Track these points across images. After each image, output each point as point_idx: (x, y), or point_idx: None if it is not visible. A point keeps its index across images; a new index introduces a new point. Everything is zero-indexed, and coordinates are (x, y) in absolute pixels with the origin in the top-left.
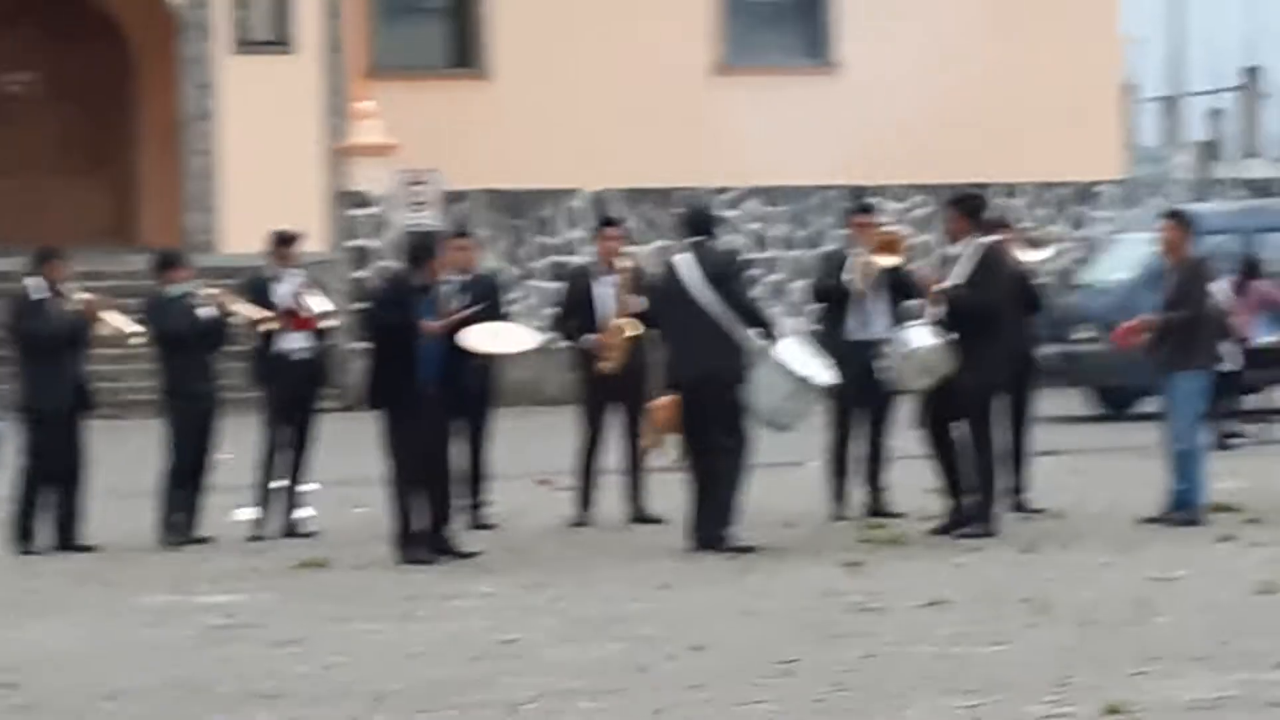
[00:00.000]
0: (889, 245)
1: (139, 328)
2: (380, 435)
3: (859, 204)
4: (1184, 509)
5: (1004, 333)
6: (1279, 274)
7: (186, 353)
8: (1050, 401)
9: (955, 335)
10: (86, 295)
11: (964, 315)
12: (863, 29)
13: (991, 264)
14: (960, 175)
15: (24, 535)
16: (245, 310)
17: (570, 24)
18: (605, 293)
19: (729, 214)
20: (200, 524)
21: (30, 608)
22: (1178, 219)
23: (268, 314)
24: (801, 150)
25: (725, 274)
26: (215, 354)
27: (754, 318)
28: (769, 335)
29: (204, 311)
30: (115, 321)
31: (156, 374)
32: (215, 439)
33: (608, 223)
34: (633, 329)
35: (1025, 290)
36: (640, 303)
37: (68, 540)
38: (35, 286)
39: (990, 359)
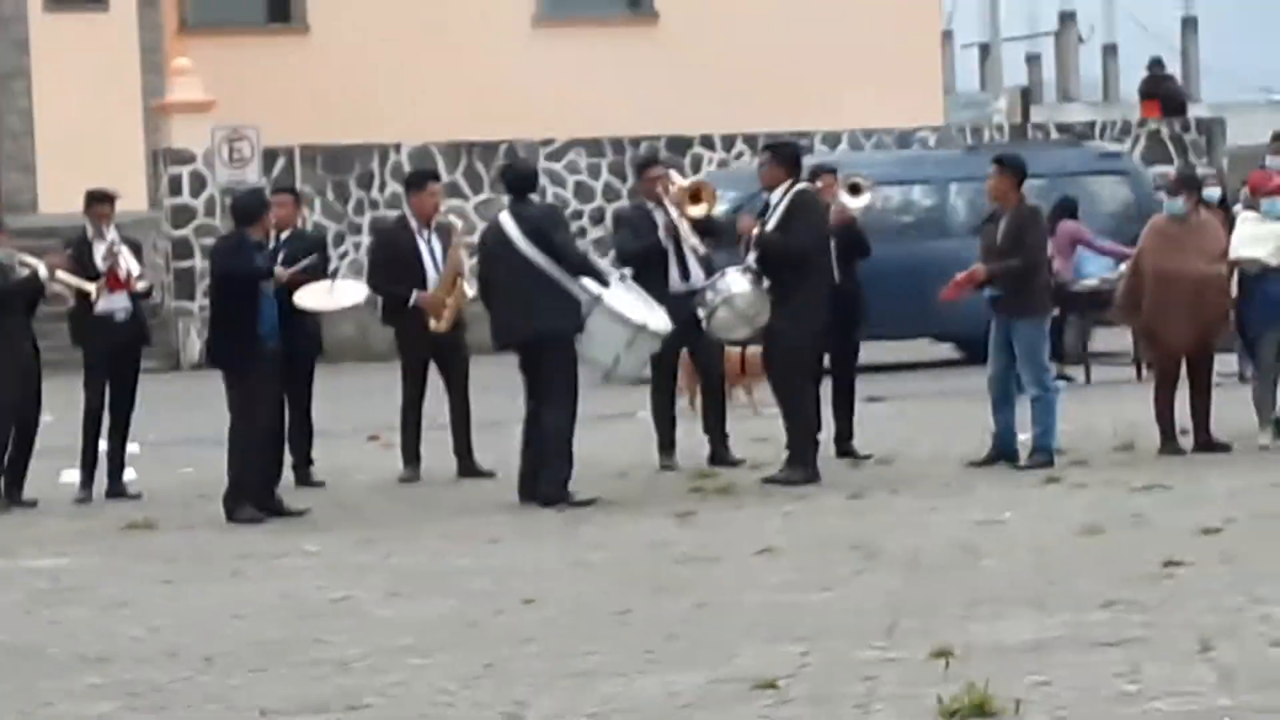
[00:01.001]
0: (697, 195)
1: (92, 286)
2: (225, 393)
3: (645, 158)
4: (1041, 451)
5: (817, 279)
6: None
7: (5, 315)
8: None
9: (769, 281)
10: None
11: (776, 261)
12: None
13: (802, 209)
14: (781, 124)
15: None
16: (71, 282)
17: None
18: (427, 249)
19: (553, 166)
20: (24, 487)
21: None
22: (1005, 165)
23: (89, 285)
24: (622, 101)
25: (546, 228)
26: (31, 315)
27: (581, 269)
28: (601, 284)
29: (22, 272)
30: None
31: None
32: (36, 401)
33: (430, 176)
34: (467, 289)
35: (850, 235)
36: (469, 261)
37: None
38: None
39: (805, 305)
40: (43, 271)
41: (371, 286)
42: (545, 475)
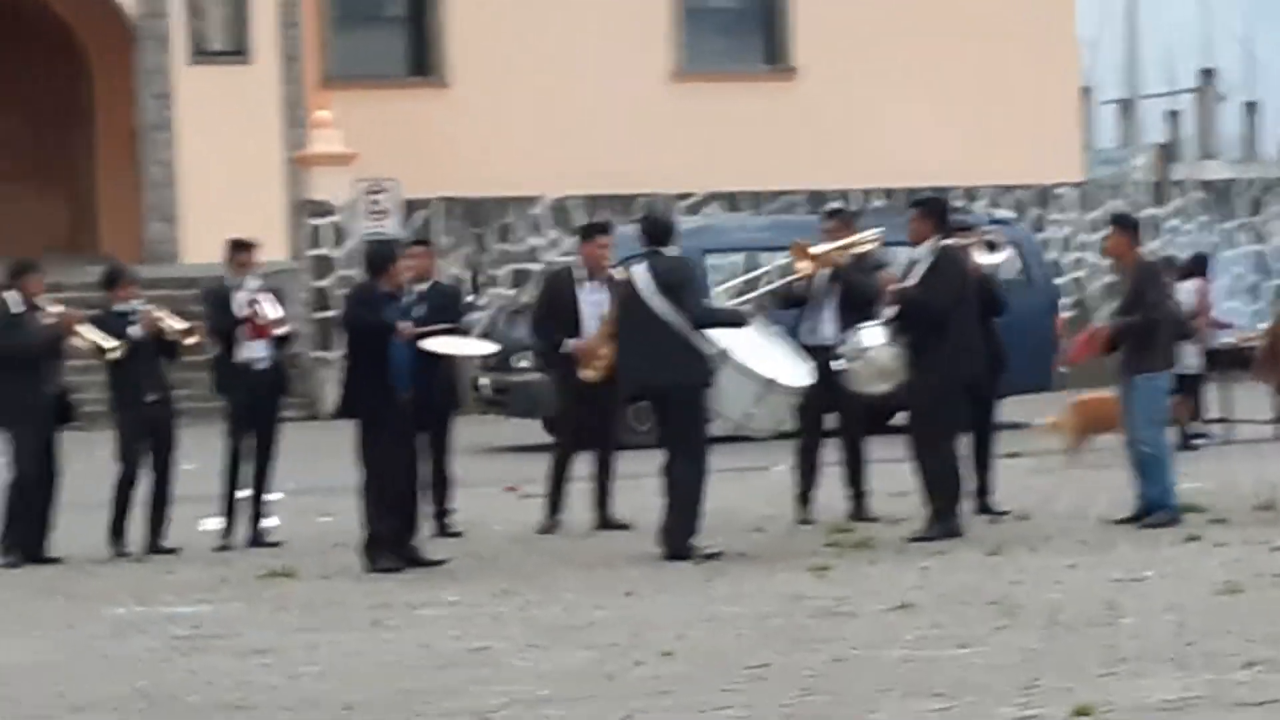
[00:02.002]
0: (804, 252)
1: (116, 341)
2: (356, 443)
3: (828, 210)
4: (1161, 510)
5: (958, 335)
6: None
7: (132, 366)
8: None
9: (907, 337)
10: (60, 308)
11: (914, 316)
12: (817, 35)
13: (945, 265)
14: (918, 180)
15: (7, 549)
16: (90, 336)
17: (527, 30)
18: (591, 299)
19: (690, 221)
20: (165, 535)
21: None
22: (1122, 224)
23: (109, 341)
24: (760, 156)
25: (674, 281)
26: (165, 365)
27: (705, 323)
28: (735, 332)
29: (134, 331)
30: (91, 335)
31: (108, 386)
32: (169, 449)
33: (598, 229)
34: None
35: (986, 292)
36: None
37: (35, 553)
38: (12, 300)
39: (943, 361)
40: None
41: (532, 329)
42: (672, 528)
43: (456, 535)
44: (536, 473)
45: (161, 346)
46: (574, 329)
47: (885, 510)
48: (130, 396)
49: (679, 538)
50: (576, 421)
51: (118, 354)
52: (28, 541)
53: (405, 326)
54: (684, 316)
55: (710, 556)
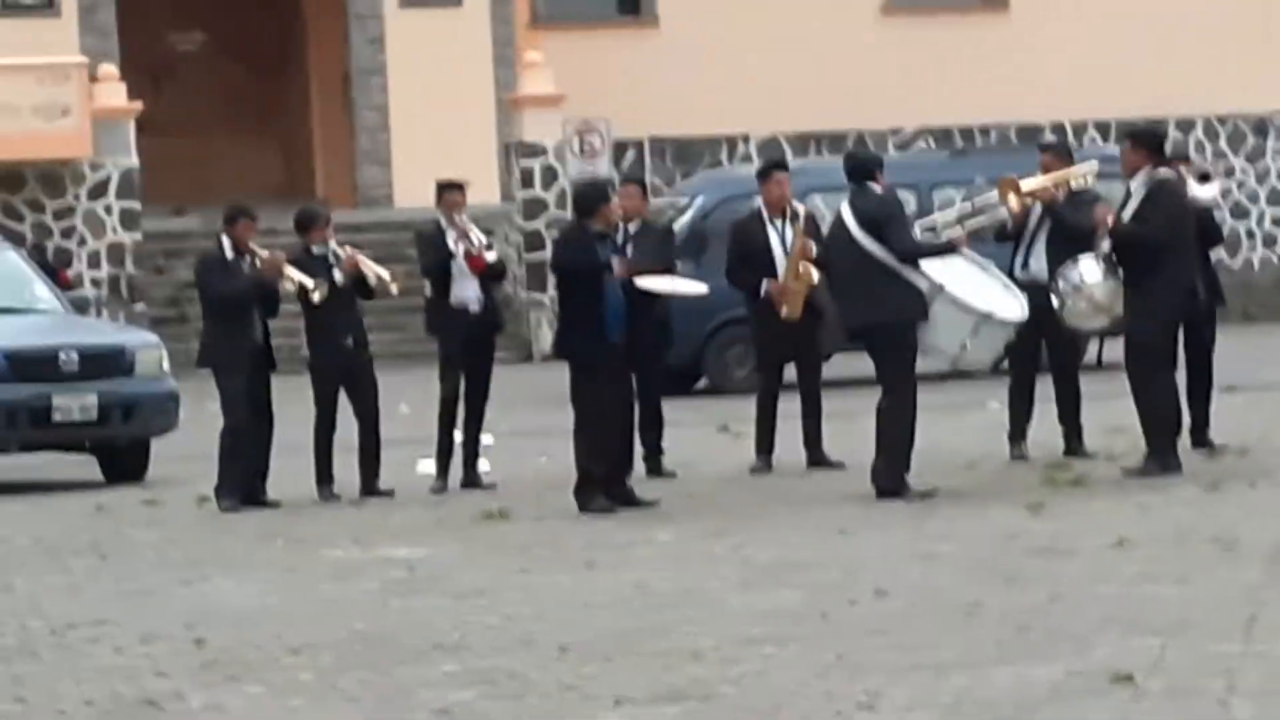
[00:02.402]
0: (1014, 187)
1: (320, 283)
2: (570, 385)
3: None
4: None
5: (1174, 268)
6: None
7: (330, 309)
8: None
9: (1124, 272)
10: (266, 253)
11: (1130, 250)
12: None
13: (1159, 198)
14: (1134, 111)
15: (226, 493)
16: (296, 277)
17: None
18: (779, 238)
19: (898, 156)
20: (378, 478)
21: (217, 564)
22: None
23: (310, 281)
24: (972, 89)
25: (880, 217)
26: (359, 311)
27: (913, 257)
28: (949, 266)
29: (337, 274)
30: (298, 277)
31: (305, 329)
32: (370, 393)
33: (776, 165)
34: (808, 276)
35: (1203, 224)
36: (815, 247)
37: (254, 496)
38: (226, 246)
39: (1160, 295)
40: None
41: (727, 278)
42: (882, 465)
43: (670, 475)
44: (747, 413)
45: (360, 289)
46: (771, 269)
47: (1101, 446)
48: (327, 340)
49: (891, 476)
50: (780, 361)
51: (320, 296)
52: (246, 486)
53: (619, 264)
54: (893, 252)
55: (925, 495)
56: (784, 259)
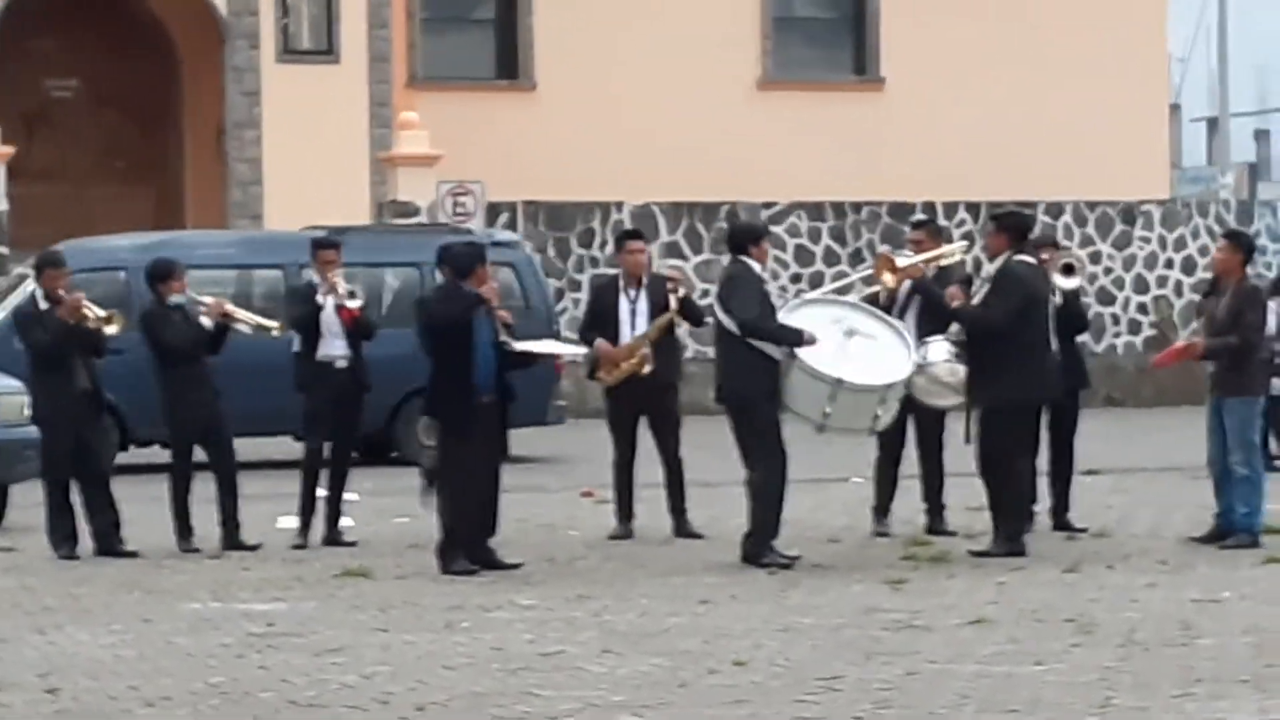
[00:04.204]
0: (889, 265)
1: (275, 323)
2: (438, 443)
3: (914, 221)
4: (1243, 532)
5: (1021, 354)
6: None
7: (187, 363)
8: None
9: (971, 355)
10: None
11: (974, 334)
12: (906, 46)
13: (1006, 283)
14: (1004, 194)
15: (60, 540)
16: (246, 318)
17: (615, 36)
18: (628, 307)
19: (774, 229)
20: (239, 532)
21: (72, 613)
22: (1236, 241)
23: (269, 322)
24: (845, 165)
25: (725, 291)
26: (212, 363)
27: (753, 334)
28: (792, 345)
29: (205, 321)
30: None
31: (158, 387)
32: (226, 447)
33: (631, 235)
34: (641, 361)
35: (1068, 310)
36: (666, 330)
37: (110, 547)
38: (37, 297)
39: (1006, 380)
40: (206, 322)
41: (579, 336)
42: (749, 533)
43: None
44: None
45: (210, 345)
46: (613, 337)
47: (963, 524)
48: (186, 394)
49: (755, 544)
50: (628, 425)
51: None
52: (104, 538)
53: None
54: (737, 324)
55: (785, 562)
56: (630, 327)
